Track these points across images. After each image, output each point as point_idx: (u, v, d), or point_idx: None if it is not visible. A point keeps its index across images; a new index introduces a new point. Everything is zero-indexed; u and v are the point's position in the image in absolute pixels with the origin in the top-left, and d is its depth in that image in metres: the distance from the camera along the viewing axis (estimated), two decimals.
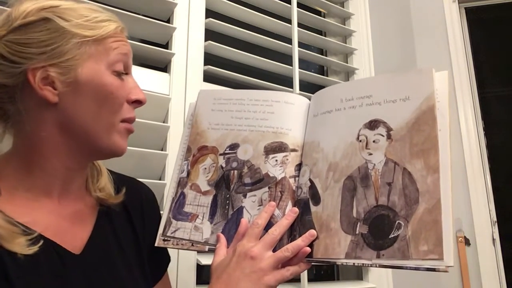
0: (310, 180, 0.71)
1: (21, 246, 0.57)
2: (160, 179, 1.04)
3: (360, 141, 0.68)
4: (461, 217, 1.34)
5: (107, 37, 0.65)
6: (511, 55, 1.57)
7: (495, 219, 1.36)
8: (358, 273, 1.38)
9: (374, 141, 0.67)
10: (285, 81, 1.34)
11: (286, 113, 0.76)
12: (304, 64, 1.48)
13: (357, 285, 1.31)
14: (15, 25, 0.62)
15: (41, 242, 0.59)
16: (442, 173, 0.61)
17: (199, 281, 1.02)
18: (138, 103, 0.69)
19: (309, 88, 1.45)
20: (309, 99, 0.79)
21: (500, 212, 1.37)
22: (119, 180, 0.76)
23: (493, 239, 1.34)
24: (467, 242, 1.32)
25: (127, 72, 0.69)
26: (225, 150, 0.77)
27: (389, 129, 0.67)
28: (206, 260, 1.00)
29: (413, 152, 0.63)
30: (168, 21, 1.17)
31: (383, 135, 0.67)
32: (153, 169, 1.04)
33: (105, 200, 0.71)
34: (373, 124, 0.68)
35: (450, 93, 0.66)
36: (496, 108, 1.53)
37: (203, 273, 1.08)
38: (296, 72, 1.32)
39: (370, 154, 0.67)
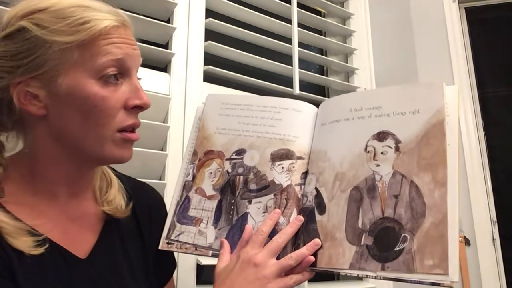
0: (316, 189, 0.70)
1: (27, 245, 0.57)
2: (160, 179, 1.04)
3: (368, 152, 0.68)
4: (461, 217, 1.34)
5: (94, 39, 0.59)
6: (511, 55, 1.57)
7: (495, 219, 1.36)
8: None
9: (382, 153, 0.67)
10: (285, 81, 1.34)
11: (294, 120, 0.76)
12: (304, 64, 1.47)
13: (357, 285, 1.31)
14: (0, 36, 0.60)
15: (47, 245, 0.59)
16: (449, 188, 0.60)
17: (199, 281, 1.02)
18: (139, 108, 0.64)
19: (309, 88, 1.45)
20: (317, 107, 0.78)
21: (500, 212, 1.38)
22: (130, 185, 0.76)
23: (493, 239, 1.34)
24: (467, 242, 1.32)
25: (124, 76, 0.63)
26: (232, 155, 0.77)
27: (397, 141, 0.66)
28: (206, 260, 1.00)
29: (421, 165, 0.63)
30: (168, 21, 1.17)
31: (391, 147, 0.66)
32: (153, 169, 1.04)
33: (111, 215, 0.70)
34: (381, 136, 0.68)
35: (460, 107, 0.66)
36: (496, 108, 1.53)
37: (203, 273, 1.08)
38: (296, 72, 1.32)
39: (378, 165, 0.66)
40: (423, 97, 0.67)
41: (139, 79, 0.67)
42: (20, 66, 0.58)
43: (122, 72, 0.63)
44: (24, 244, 0.57)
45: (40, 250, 0.58)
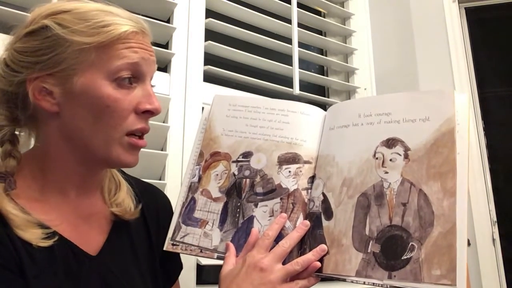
0: (323, 194, 0.70)
1: (36, 236, 0.57)
2: (160, 179, 1.04)
3: (377, 158, 0.67)
4: None
5: (113, 42, 0.60)
6: (511, 55, 1.57)
7: (495, 219, 1.36)
8: None
9: (391, 160, 0.66)
10: (285, 81, 1.34)
11: (301, 124, 0.76)
12: (304, 64, 1.47)
13: (357, 285, 1.31)
14: (23, 33, 0.62)
15: (57, 237, 0.59)
16: (458, 197, 0.60)
17: (199, 281, 1.02)
18: (149, 113, 0.65)
19: (309, 88, 1.45)
20: (323, 109, 0.78)
21: (500, 212, 1.38)
22: (139, 188, 0.76)
23: (493, 239, 1.34)
24: (467, 242, 1.32)
25: (138, 80, 0.64)
26: (238, 157, 0.77)
27: (406, 149, 0.66)
28: (206, 260, 1.00)
29: (430, 174, 0.63)
30: (168, 21, 1.17)
31: (400, 154, 0.66)
32: (153, 169, 1.03)
33: (119, 216, 0.70)
34: (390, 142, 0.67)
35: (470, 116, 0.65)
36: (496, 108, 1.53)
37: (203, 273, 1.08)
38: (296, 72, 1.32)
39: (386, 172, 0.66)
40: (434, 104, 0.66)
41: (152, 86, 0.68)
42: (39, 62, 0.60)
43: (137, 76, 0.64)
44: (33, 235, 0.57)
45: (49, 242, 0.58)
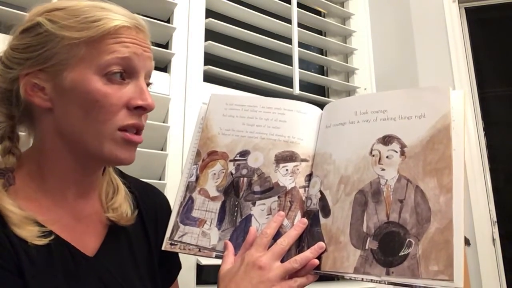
0: (321, 192, 0.70)
1: (32, 234, 0.57)
2: (160, 179, 1.04)
3: (373, 155, 0.68)
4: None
5: (103, 37, 0.60)
6: (511, 55, 1.57)
7: (495, 219, 1.36)
8: None
9: (387, 157, 0.67)
10: (285, 81, 1.34)
11: (298, 122, 0.76)
12: (304, 64, 1.48)
13: (357, 285, 1.31)
14: (19, 30, 0.62)
15: (53, 237, 0.59)
16: (455, 193, 0.60)
17: (199, 281, 1.02)
18: (142, 109, 0.64)
19: (309, 88, 1.45)
20: (322, 109, 0.78)
21: (500, 212, 1.38)
22: (137, 188, 0.76)
23: (493, 239, 1.34)
24: (467, 242, 1.32)
25: (132, 76, 0.63)
26: (236, 156, 0.77)
27: (403, 146, 0.66)
28: (206, 260, 1.00)
29: (426, 170, 0.63)
30: (168, 21, 1.17)
31: (396, 151, 0.66)
32: (153, 169, 1.04)
33: (115, 222, 0.69)
34: (387, 140, 0.68)
35: (465, 112, 0.65)
36: (496, 108, 1.53)
37: (203, 273, 1.08)
38: (296, 72, 1.32)
39: (383, 169, 0.66)
40: (429, 101, 0.67)
41: (150, 83, 0.68)
42: (30, 58, 0.60)
43: (129, 71, 0.63)
44: (29, 233, 0.57)
45: (45, 240, 0.58)
